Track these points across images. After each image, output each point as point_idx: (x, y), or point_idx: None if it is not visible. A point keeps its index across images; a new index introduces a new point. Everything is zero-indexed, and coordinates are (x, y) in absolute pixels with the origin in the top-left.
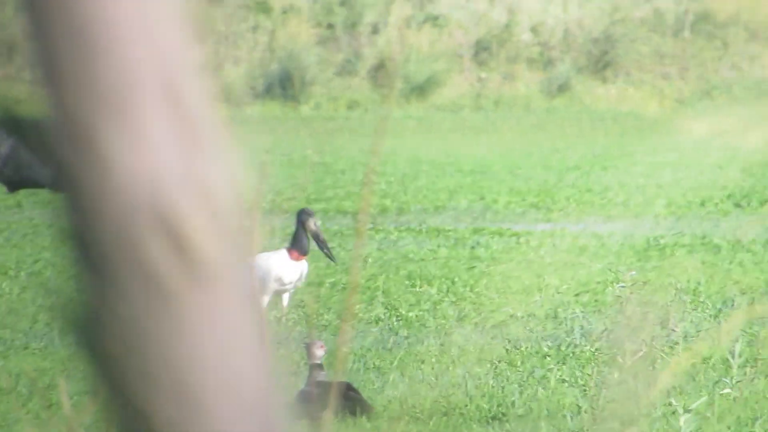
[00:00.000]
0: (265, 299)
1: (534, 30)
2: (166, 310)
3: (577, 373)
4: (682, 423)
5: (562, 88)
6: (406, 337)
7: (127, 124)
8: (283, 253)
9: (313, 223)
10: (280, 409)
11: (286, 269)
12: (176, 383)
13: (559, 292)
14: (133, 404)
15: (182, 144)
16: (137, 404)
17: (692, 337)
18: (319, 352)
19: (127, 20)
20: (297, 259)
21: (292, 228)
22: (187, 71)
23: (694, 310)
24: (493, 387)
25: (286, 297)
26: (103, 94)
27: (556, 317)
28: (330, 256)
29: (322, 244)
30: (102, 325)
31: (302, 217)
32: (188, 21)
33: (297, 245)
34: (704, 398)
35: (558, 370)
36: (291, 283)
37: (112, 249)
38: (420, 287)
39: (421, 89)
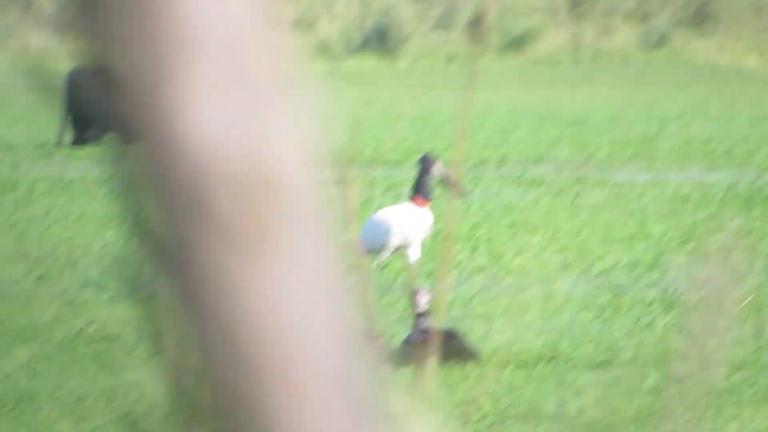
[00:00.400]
0: (412, 254)
1: None
2: (248, 257)
3: (684, 320)
4: None
5: (660, 41)
6: (511, 286)
7: (198, 76)
8: (406, 205)
9: (438, 167)
10: (367, 360)
11: (412, 220)
12: (251, 339)
13: (662, 241)
14: (220, 349)
15: (250, 98)
16: (224, 349)
17: None
18: (423, 300)
19: None
20: (421, 205)
21: (394, 178)
22: (251, 27)
23: None
24: (599, 333)
25: (414, 248)
26: (173, 47)
27: (660, 265)
28: (461, 194)
29: (452, 184)
30: (188, 272)
31: (425, 163)
32: None
33: (421, 191)
34: None
35: (664, 317)
36: (419, 232)
37: (192, 201)
38: (523, 236)
39: (517, 42)
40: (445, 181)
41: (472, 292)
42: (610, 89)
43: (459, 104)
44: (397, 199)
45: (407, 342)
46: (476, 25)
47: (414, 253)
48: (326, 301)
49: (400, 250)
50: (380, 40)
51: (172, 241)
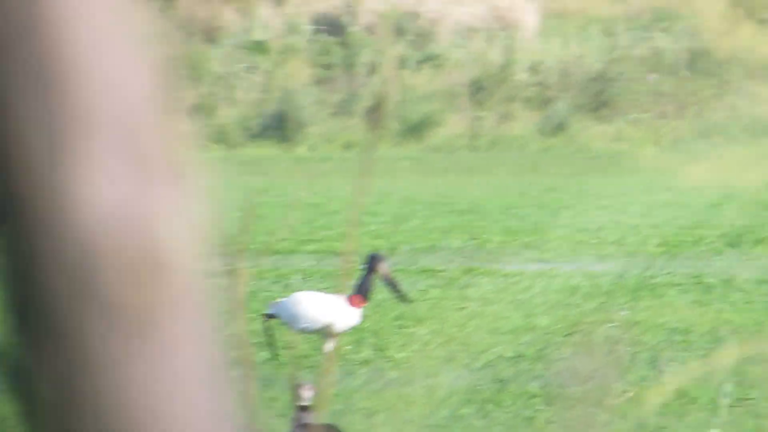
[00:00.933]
0: (330, 346)
1: (531, 69)
2: (134, 343)
3: (565, 415)
4: None
5: (559, 127)
6: (395, 379)
7: (93, 154)
8: (342, 300)
9: (386, 268)
10: None
11: (344, 316)
12: (134, 417)
13: (549, 333)
14: None
15: (147, 176)
16: None
17: (682, 376)
18: (307, 394)
19: (85, 53)
20: (357, 306)
21: (283, 268)
22: (148, 109)
23: (684, 350)
24: (480, 428)
25: (330, 343)
26: (69, 124)
27: (545, 357)
28: (404, 298)
29: (394, 286)
30: (71, 357)
31: (374, 262)
32: (162, 59)
33: (362, 290)
34: None
35: (546, 411)
36: (342, 330)
37: (80, 280)
38: (410, 328)
39: (416, 129)
40: (388, 283)
41: (356, 385)
42: (507, 177)
43: (353, 192)
44: (285, 289)
45: None
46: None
47: (329, 347)
48: (208, 390)
49: (305, 331)
50: (279, 126)
51: (56, 322)
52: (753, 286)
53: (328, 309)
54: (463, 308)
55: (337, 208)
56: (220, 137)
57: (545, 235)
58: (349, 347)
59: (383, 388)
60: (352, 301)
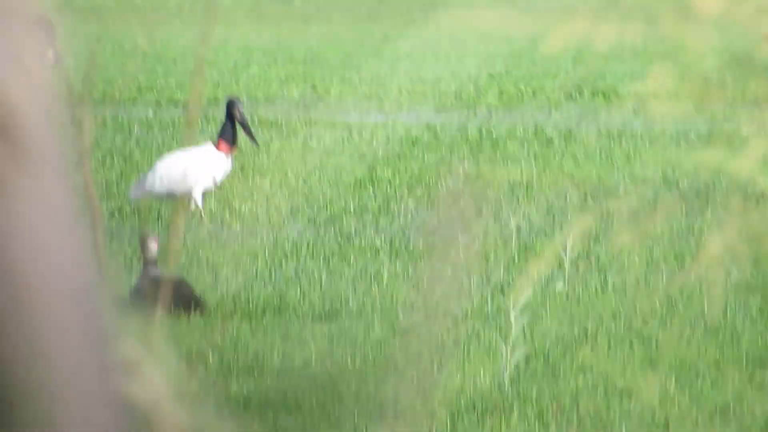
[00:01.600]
0: (198, 194)
1: None
2: None
3: (411, 269)
4: (513, 320)
5: None
6: (239, 231)
7: None
8: (210, 147)
9: (239, 111)
10: (106, 298)
11: (217, 164)
12: None
13: (391, 185)
14: None
15: (1, 33)
16: None
17: (525, 231)
18: (153, 246)
19: None
20: (227, 152)
21: (127, 116)
22: None
23: (527, 204)
24: (326, 283)
25: (200, 195)
26: None
27: (389, 211)
28: (254, 140)
29: (247, 128)
30: None
31: (231, 107)
32: None
33: (227, 137)
34: (535, 294)
35: (391, 265)
36: (221, 179)
37: None
38: (253, 180)
39: None
40: (243, 126)
41: (201, 238)
42: (344, 25)
43: (193, 40)
44: (127, 140)
45: (135, 289)
46: None
47: (198, 198)
48: (61, 239)
49: (184, 193)
50: None
51: None
52: (593, 139)
53: (210, 162)
54: (305, 161)
55: (175, 56)
56: None
57: (384, 86)
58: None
59: (228, 241)
60: (219, 147)
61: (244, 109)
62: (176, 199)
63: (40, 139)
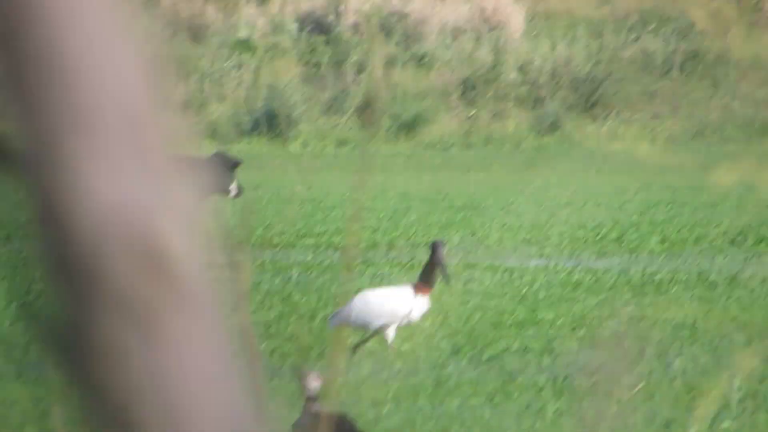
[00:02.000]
0: (392, 333)
1: (520, 69)
2: (143, 334)
3: (575, 407)
4: None
5: (553, 126)
6: (400, 370)
7: (95, 149)
8: (409, 289)
9: (441, 252)
10: None
11: (413, 304)
12: (155, 407)
13: (553, 327)
14: (113, 428)
15: (149, 170)
16: (117, 428)
17: (690, 371)
18: (314, 384)
19: (83, 50)
20: (424, 293)
21: (282, 262)
22: (145, 104)
23: (691, 345)
24: (489, 420)
25: (393, 330)
26: (72, 121)
27: (551, 351)
28: (447, 279)
29: (443, 268)
30: (81, 350)
31: (436, 250)
32: (154, 57)
33: (426, 279)
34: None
35: (555, 403)
36: (416, 318)
37: (88, 273)
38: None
39: (409, 127)
40: (440, 265)
41: (363, 376)
42: (503, 174)
43: (350, 188)
44: (286, 283)
45: (297, 426)
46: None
47: (391, 335)
48: (218, 381)
49: (382, 330)
50: (270, 123)
51: (65, 316)
52: (758, 284)
53: (401, 301)
54: (466, 302)
55: (333, 203)
56: (212, 134)
57: (544, 231)
58: (355, 338)
59: (390, 379)
60: (417, 289)
61: (399, 256)
62: (369, 332)
63: (194, 280)
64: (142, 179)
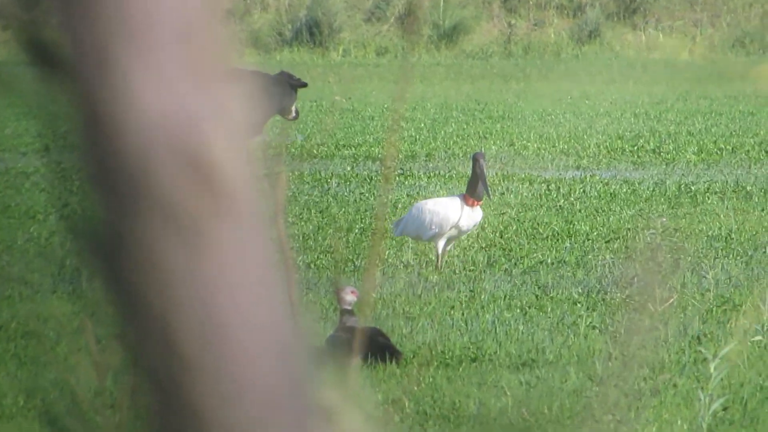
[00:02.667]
0: (441, 244)
1: None
2: (187, 242)
3: (608, 320)
4: (712, 370)
5: (592, 34)
6: (436, 284)
7: (145, 59)
8: (458, 200)
9: (481, 163)
10: (304, 347)
11: (464, 216)
12: (197, 316)
13: (589, 239)
14: (152, 339)
15: (199, 80)
16: (157, 339)
17: (724, 284)
18: (350, 298)
19: None
20: (473, 205)
21: (325, 171)
22: (198, 13)
23: (726, 257)
24: (522, 333)
25: (442, 243)
26: (123, 30)
27: (586, 264)
28: (488, 192)
29: (483, 180)
30: (123, 260)
31: (478, 162)
32: None
33: (473, 191)
34: (735, 345)
35: (588, 316)
36: (467, 229)
37: (134, 182)
38: None
39: (450, 36)
40: (479, 177)
41: (397, 290)
42: (542, 83)
43: (389, 98)
44: (324, 195)
45: (331, 339)
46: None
47: (440, 246)
48: (259, 291)
49: (434, 239)
50: (312, 31)
51: (107, 226)
52: None
53: (452, 212)
54: (502, 214)
55: (372, 113)
56: (254, 42)
57: (582, 142)
58: (390, 251)
59: (424, 293)
60: (466, 200)
61: (438, 167)
62: (423, 242)
63: (239, 192)
64: (190, 89)
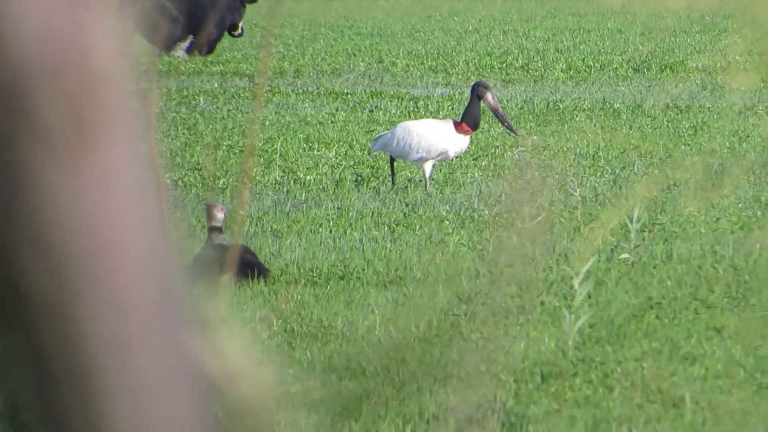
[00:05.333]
0: (428, 167)
1: None
2: (64, 163)
3: (476, 238)
4: (577, 287)
5: None
6: (304, 201)
7: None
8: (450, 125)
9: (491, 97)
10: (176, 269)
11: (453, 143)
12: (67, 242)
13: (457, 156)
14: (32, 260)
15: (70, 3)
16: (37, 260)
17: (591, 201)
18: (219, 215)
19: None
20: (465, 133)
21: (193, 88)
22: None
23: (593, 174)
24: (390, 251)
25: (430, 166)
26: None
27: (454, 181)
28: (512, 129)
29: (501, 117)
30: (3, 187)
31: (478, 90)
32: None
33: (469, 119)
34: (601, 262)
35: (456, 234)
36: (453, 156)
37: (9, 100)
38: (318, 150)
39: None
40: (495, 114)
41: (265, 207)
42: (410, 0)
43: (259, 14)
44: (193, 111)
45: (200, 257)
46: None
47: (427, 169)
48: (140, 209)
49: (420, 162)
50: None
51: None
52: (660, 112)
53: (443, 138)
54: (370, 131)
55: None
56: None
57: (451, 59)
58: (258, 169)
59: (293, 210)
60: (458, 127)
61: (306, 84)
62: (408, 163)
63: (118, 110)
64: (68, 5)
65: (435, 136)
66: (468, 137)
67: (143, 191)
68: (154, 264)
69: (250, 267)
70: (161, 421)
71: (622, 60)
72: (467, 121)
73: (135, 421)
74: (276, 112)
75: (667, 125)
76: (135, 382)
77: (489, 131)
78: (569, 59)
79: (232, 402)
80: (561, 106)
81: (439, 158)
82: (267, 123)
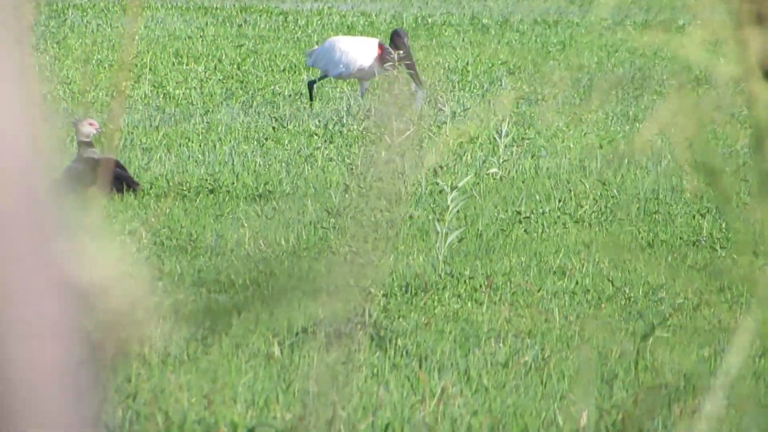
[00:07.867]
0: (362, 87)
1: None
2: None
3: (345, 152)
4: (449, 201)
5: None
6: (173, 115)
7: None
8: (374, 45)
9: (403, 44)
10: (46, 181)
11: (374, 62)
12: None
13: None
14: None
15: None
16: None
17: (460, 116)
18: (88, 130)
19: None
20: (380, 60)
21: (61, 2)
22: None
23: (462, 89)
24: (259, 165)
25: (363, 86)
26: None
27: (323, 96)
28: (417, 82)
29: (410, 68)
30: None
31: (395, 40)
32: None
33: (386, 51)
34: (471, 177)
35: (325, 148)
36: (373, 76)
37: None
38: (187, 65)
39: None
40: (406, 66)
41: (134, 121)
42: None
43: None
44: (61, 25)
45: (69, 170)
46: None
47: (361, 89)
48: (11, 120)
49: (341, 78)
50: None
51: None
52: (528, 27)
53: (363, 56)
54: (240, 46)
55: None
56: None
57: None
58: (128, 83)
59: (162, 124)
60: (381, 49)
61: None
62: (336, 77)
63: None
64: None
65: (355, 54)
66: (380, 62)
67: (14, 104)
68: (24, 176)
69: (120, 180)
70: (31, 327)
71: None
72: (386, 50)
73: (5, 326)
74: (146, 26)
75: (536, 40)
76: (5, 289)
77: None
78: None
79: (103, 313)
80: (430, 21)
81: (359, 76)
82: (137, 37)
